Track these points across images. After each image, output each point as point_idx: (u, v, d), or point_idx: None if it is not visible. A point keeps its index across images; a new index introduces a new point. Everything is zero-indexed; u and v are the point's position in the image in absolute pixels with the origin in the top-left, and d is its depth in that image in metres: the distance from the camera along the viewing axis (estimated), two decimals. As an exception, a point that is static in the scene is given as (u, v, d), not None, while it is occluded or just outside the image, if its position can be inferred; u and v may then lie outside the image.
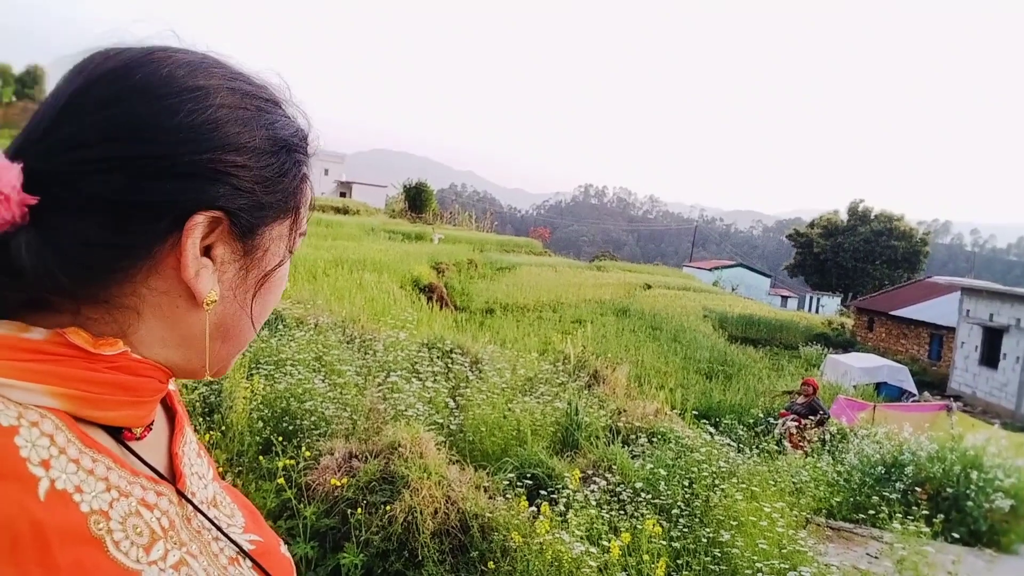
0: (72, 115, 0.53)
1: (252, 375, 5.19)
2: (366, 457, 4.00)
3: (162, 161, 0.53)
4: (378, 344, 7.37)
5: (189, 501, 0.63)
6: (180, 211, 0.54)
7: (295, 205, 0.64)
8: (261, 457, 3.88)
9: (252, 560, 0.67)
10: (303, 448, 4.08)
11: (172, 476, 0.64)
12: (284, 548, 0.75)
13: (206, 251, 0.57)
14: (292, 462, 3.80)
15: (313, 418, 4.67)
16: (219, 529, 0.65)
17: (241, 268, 0.60)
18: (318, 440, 4.36)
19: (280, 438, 4.16)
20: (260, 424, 4.45)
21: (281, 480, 3.57)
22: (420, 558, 3.41)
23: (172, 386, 0.71)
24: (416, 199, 41.38)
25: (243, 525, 0.71)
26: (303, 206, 0.65)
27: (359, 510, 3.46)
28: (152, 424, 0.62)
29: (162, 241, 0.54)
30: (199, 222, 0.55)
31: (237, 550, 0.66)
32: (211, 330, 0.60)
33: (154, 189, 0.53)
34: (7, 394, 0.50)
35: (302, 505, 3.48)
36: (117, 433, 0.58)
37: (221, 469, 3.78)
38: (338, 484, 3.67)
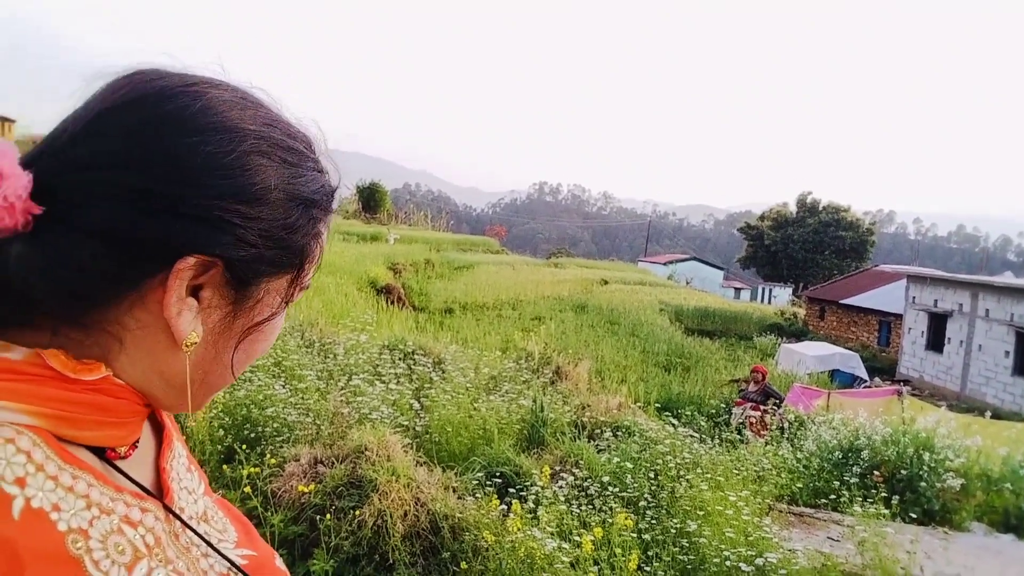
0: (94, 135, 0.51)
1: (211, 383, 5.07)
2: (332, 462, 3.95)
3: (168, 199, 0.51)
4: (338, 347, 7.27)
5: (177, 516, 0.61)
6: (174, 251, 0.52)
7: (300, 262, 0.61)
8: (224, 466, 3.79)
9: (244, 575, 0.65)
10: (267, 455, 4.01)
11: (159, 491, 0.62)
12: (279, 561, 0.73)
13: (195, 291, 0.54)
14: (256, 470, 3.73)
15: (275, 424, 4.59)
16: (209, 544, 0.63)
17: (228, 315, 0.58)
18: (282, 447, 4.29)
19: (243, 446, 4.07)
20: (221, 432, 4.36)
21: (247, 488, 3.49)
22: (391, 562, 3.38)
23: None
24: (370, 200, 40.79)
25: (235, 540, 0.69)
26: (309, 263, 0.62)
27: (327, 516, 3.41)
28: (138, 442, 0.60)
29: (151, 276, 0.52)
30: (190, 264, 0.52)
31: (228, 565, 0.64)
32: (190, 370, 0.58)
33: (154, 226, 0.51)
34: None
35: (269, 513, 3.42)
36: (100, 452, 0.56)
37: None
38: (305, 491, 3.62)
